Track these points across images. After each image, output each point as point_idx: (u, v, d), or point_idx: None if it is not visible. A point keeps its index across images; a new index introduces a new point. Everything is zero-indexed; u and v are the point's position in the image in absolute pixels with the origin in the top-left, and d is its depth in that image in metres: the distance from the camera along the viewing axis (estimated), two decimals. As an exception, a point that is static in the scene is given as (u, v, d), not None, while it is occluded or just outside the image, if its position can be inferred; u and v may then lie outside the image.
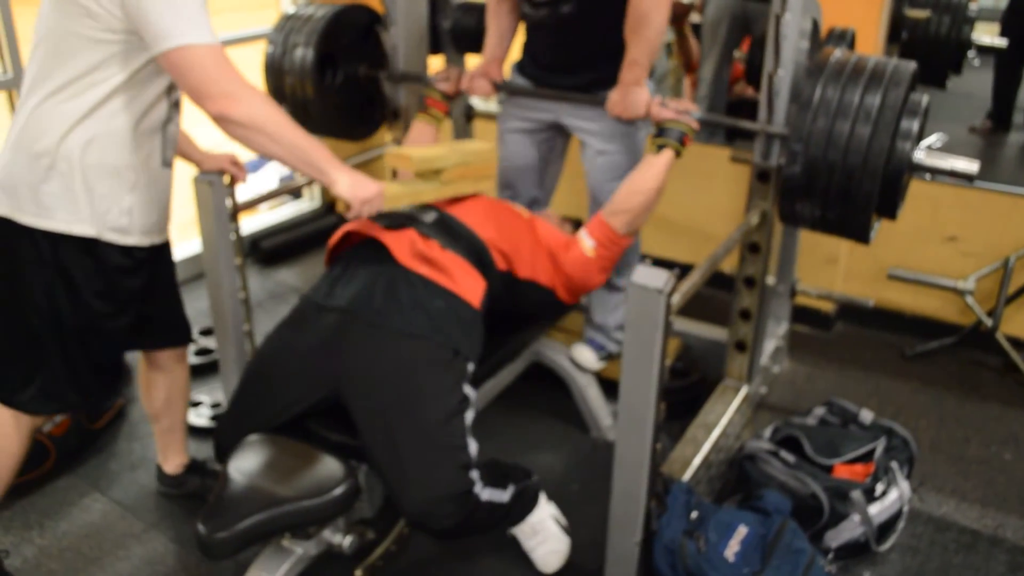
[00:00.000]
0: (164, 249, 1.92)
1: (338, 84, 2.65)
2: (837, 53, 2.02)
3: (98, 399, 1.97)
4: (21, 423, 1.87)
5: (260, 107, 1.63)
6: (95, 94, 1.64)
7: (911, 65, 1.95)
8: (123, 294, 1.82)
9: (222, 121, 1.62)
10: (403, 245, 1.83)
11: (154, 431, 2.25)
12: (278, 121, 1.66)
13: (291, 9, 2.67)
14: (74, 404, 1.92)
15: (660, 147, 2.05)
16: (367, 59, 2.69)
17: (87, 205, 1.69)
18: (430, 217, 1.93)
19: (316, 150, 1.71)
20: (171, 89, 1.75)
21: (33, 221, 1.69)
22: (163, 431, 2.22)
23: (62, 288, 1.74)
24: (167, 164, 1.83)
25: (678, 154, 2.05)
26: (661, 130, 2.07)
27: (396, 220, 1.90)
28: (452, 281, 1.80)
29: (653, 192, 2.01)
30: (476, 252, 1.88)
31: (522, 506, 1.92)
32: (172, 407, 2.18)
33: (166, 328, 2.06)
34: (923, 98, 1.98)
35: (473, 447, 1.71)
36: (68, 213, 1.69)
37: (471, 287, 1.82)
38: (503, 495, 1.80)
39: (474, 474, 1.68)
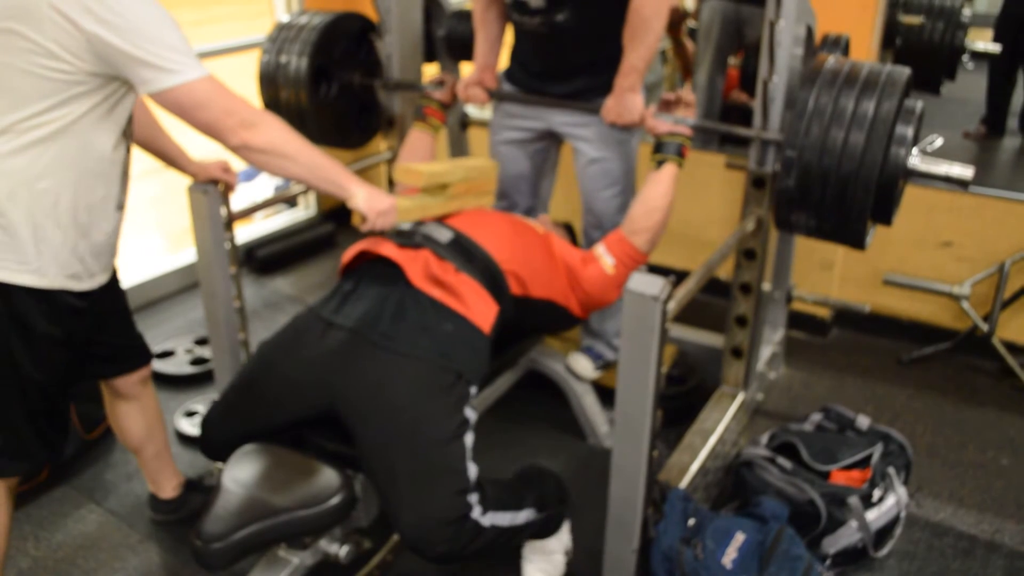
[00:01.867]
0: (112, 281, 1.84)
1: (333, 93, 2.64)
2: (831, 60, 2.02)
3: (62, 447, 1.86)
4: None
5: (278, 131, 1.65)
6: (47, 136, 1.52)
7: (905, 71, 1.95)
8: (78, 336, 1.74)
9: (243, 150, 1.62)
10: (417, 266, 1.81)
11: (140, 462, 2.18)
12: (297, 144, 1.67)
13: (285, 18, 2.67)
14: (39, 458, 1.80)
15: (660, 163, 2.06)
16: (361, 67, 2.69)
17: (36, 255, 1.59)
18: (446, 237, 1.90)
19: (333, 167, 1.74)
20: (126, 131, 1.67)
21: None
22: (149, 459, 2.15)
23: (17, 338, 1.63)
24: (120, 207, 1.74)
25: (679, 166, 2.06)
26: (659, 145, 2.08)
27: (412, 240, 1.89)
28: (464, 305, 1.78)
29: (668, 208, 2.04)
30: (491, 276, 1.87)
31: (540, 529, 1.88)
32: (152, 433, 2.12)
33: (124, 355, 2.00)
34: (917, 104, 1.98)
35: (472, 471, 1.66)
36: (17, 263, 1.58)
37: (483, 312, 1.80)
38: (516, 517, 1.74)
39: (472, 498, 1.63)
